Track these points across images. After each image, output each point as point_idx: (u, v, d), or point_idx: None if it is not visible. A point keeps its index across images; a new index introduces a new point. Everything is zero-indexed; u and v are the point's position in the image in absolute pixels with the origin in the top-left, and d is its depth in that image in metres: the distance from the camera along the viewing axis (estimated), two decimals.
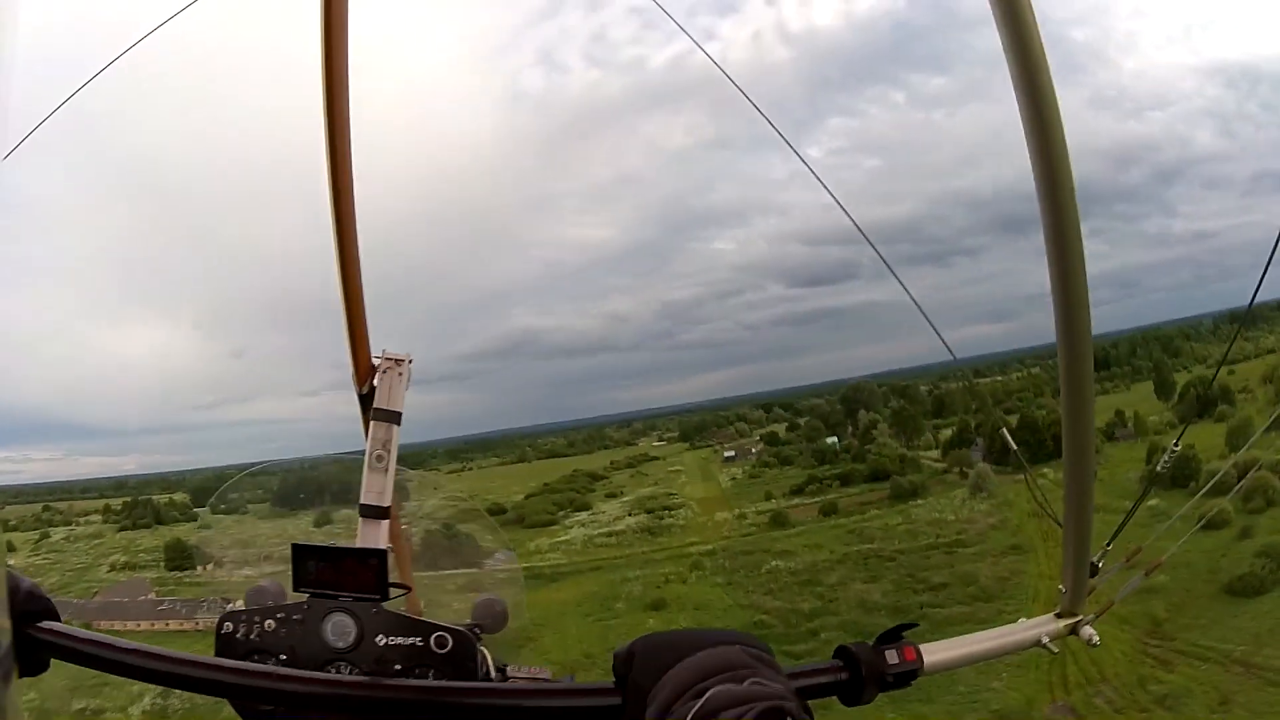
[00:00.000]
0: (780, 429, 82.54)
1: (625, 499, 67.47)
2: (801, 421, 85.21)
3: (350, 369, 2.19)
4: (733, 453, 78.54)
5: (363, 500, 1.99)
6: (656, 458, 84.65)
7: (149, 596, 45.62)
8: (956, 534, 45.54)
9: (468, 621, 1.79)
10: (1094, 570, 1.98)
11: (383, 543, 1.95)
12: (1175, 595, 35.28)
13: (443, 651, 1.52)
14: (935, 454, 58.98)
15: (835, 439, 70.89)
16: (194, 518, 73.54)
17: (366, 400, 2.13)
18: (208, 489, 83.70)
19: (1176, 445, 2.35)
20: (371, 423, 2.04)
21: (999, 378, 79.60)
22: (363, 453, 2.03)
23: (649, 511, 61.80)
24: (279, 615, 1.54)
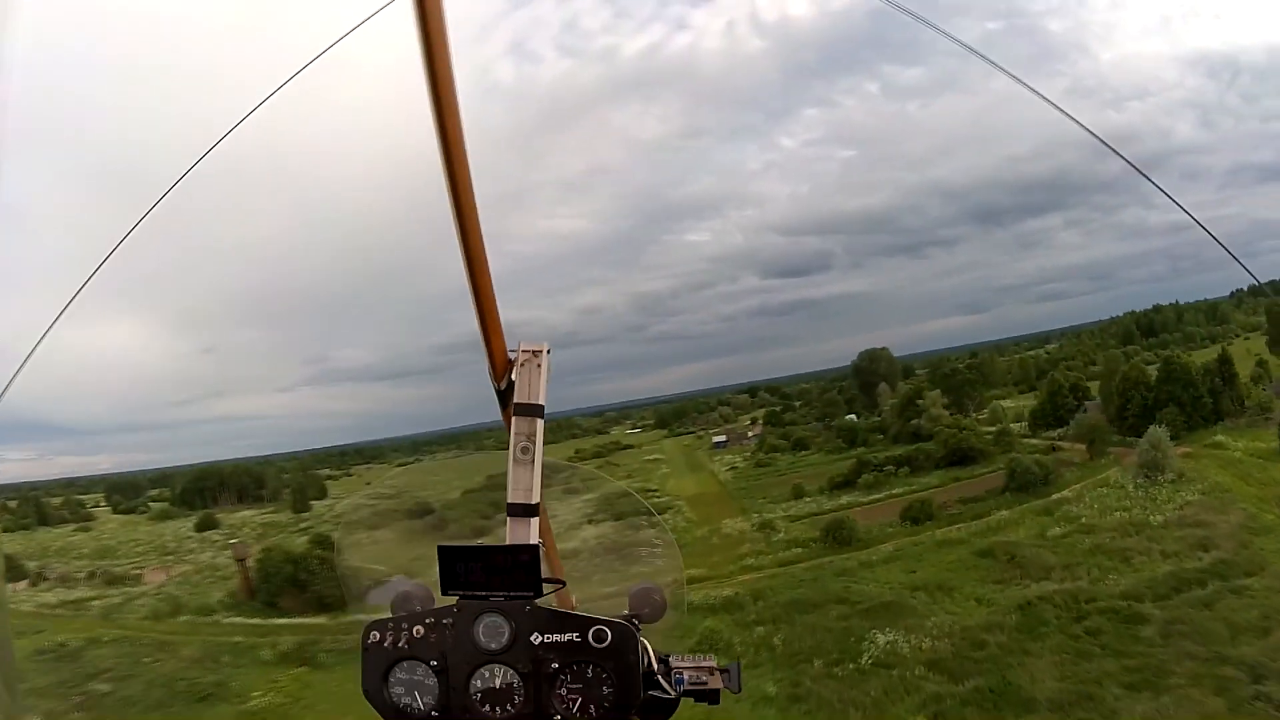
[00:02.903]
0: (775, 412, 72.45)
1: (588, 495, 50.21)
2: (796, 405, 74.75)
3: (486, 364, 2.09)
4: (723, 437, 66.87)
5: (510, 499, 1.85)
6: (630, 446, 72.03)
7: None
8: (1196, 549, 25.79)
9: (625, 612, 1.66)
10: None
11: (532, 540, 1.83)
12: None
13: (602, 646, 1.47)
14: (1020, 426, 42.98)
15: (854, 416, 59.70)
16: (89, 518, 63.37)
17: (505, 396, 2.03)
18: (122, 487, 71.40)
19: None
20: (514, 418, 1.94)
21: (1013, 355, 73.55)
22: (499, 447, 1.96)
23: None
24: (428, 620, 1.51)
